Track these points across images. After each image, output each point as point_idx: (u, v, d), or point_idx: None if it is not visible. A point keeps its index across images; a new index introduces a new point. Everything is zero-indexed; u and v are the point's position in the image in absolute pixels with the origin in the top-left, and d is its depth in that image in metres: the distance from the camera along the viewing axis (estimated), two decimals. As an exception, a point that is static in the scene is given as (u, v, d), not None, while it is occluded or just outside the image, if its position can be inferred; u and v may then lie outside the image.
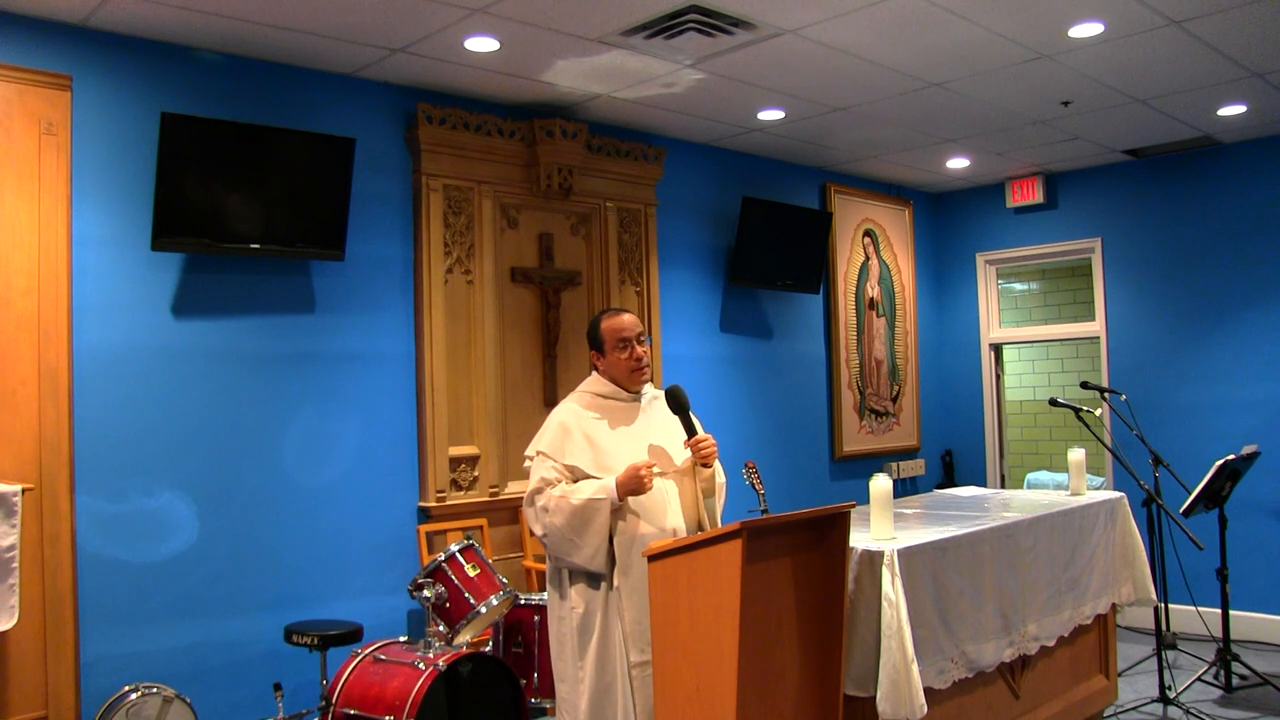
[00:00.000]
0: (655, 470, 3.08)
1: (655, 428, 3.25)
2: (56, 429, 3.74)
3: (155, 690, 3.71)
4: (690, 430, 3.18)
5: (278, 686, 3.90)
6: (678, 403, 3.20)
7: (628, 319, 3.27)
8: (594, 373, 3.34)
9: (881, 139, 6.10)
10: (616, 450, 3.13)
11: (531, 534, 3.16)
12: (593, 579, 3.10)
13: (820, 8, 4.01)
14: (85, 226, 3.90)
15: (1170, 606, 5.57)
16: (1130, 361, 6.71)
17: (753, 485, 5.00)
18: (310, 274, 4.52)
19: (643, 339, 3.27)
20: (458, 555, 4.05)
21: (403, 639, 4.11)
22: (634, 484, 3.02)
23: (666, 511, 3.13)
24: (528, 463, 3.22)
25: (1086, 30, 4.31)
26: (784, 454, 6.47)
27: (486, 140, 5.00)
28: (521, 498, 5.00)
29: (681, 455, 3.22)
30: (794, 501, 6.22)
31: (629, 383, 3.28)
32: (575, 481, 3.11)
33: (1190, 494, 4.81)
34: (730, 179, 6.25)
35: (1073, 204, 7.06)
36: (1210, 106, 5.51)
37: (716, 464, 3.28)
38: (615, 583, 3.06)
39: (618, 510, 3.06)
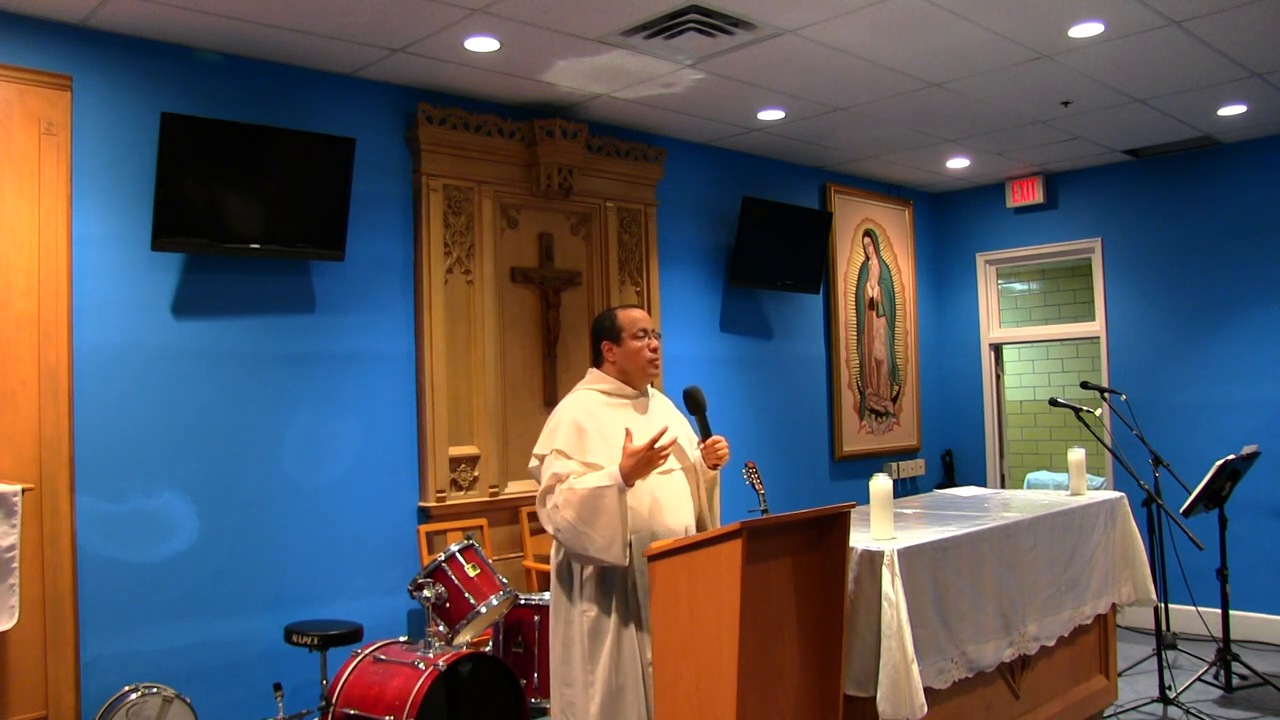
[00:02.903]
0: (668, 438, 2.97)
1: (662, 425, 3.23)
2: (56, 429, 3.74)
3: (155, 690, 3.71)
4: (706, 432, 3.20)
5: (278, 686, 3.91)
6: (696, 403, 3.21)
7: (643, 313, 3.28)
8: (596, 370, 3.30)
9: (881, 139, 6.10)
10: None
11: (552, 535, 3.08)
12: (605, 581, 3.04)
13: (820, 8, 4.01)
14: (85, 226, 3.90)
15: (1170, 606, 5.57)
16: (1130, 361, 6.71)
17: (753, 485, 5.00)
18: (310, 274, 4.52)
19: (657, 334, 3.28)
20: (458, 555, 4.05)
21: (403, 639, 4.11)
22: (641, 466, 2.91)
23: (681, 508, 3.14)
24: (535, 463, 3.15)
25: (1086, 30, 4.31)
26: (784, 454, 6.47)
27: (486, 140, 5.00)
28: (522, 497, 5.08)
29: (693, 453, 3.24)
30: (794, 501, 6.22)
31: (640, 376, 3.24)
32: None
33: (1190, 494, 4.81)
34: (730, 179, 6.25)
35: (1073, 204, 7.06)
36: (1210, 106, 5.51)
37: None
38: (630, 583, 3.02)
39: (634, 506, 3.00)
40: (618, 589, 3.03)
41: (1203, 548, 4.55)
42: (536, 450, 3.16)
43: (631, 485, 2.95)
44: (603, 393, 3.23)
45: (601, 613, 3.02)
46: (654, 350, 3.23)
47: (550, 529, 3.02)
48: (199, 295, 4.20)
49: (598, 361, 3.30)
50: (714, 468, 3.22)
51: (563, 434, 3.09)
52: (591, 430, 3.10)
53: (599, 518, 2.91)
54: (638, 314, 3.26)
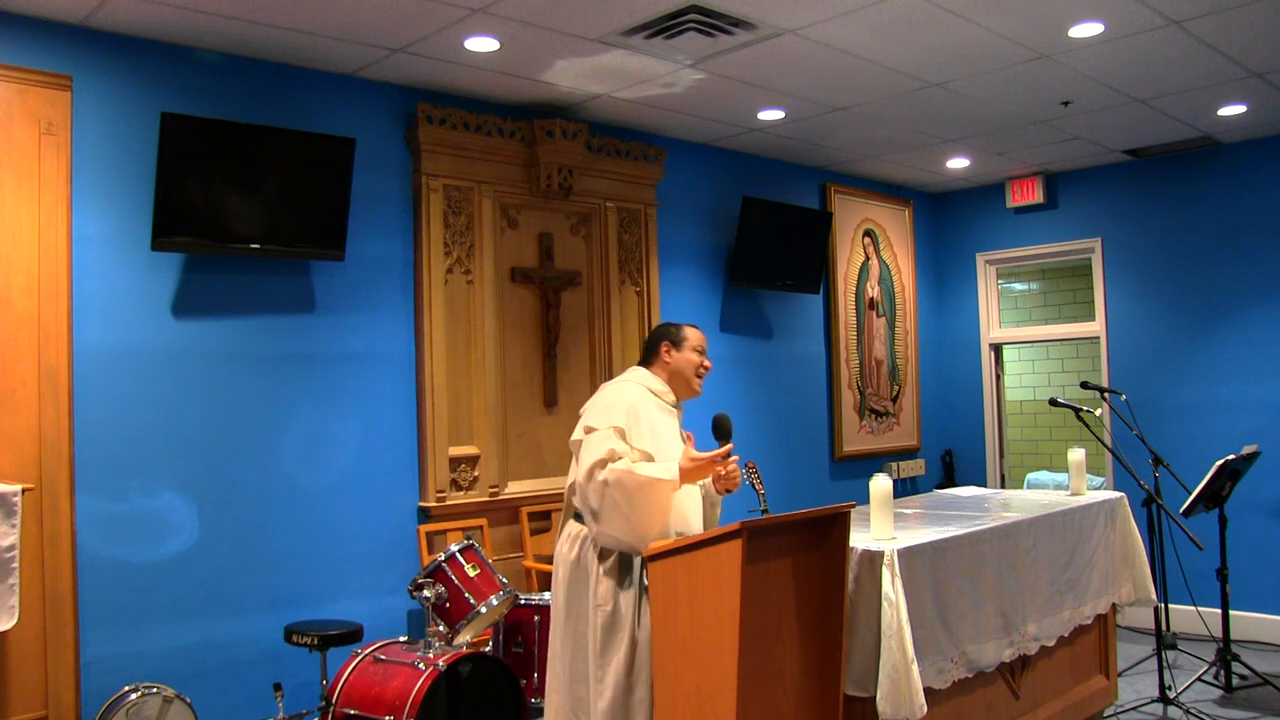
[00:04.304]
0: (732, 460, 3.15)
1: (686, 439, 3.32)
2: (56, 429, 3.74)
3: (155, 690, 3.71)
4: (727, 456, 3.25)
5: (278, 686, 3.91)
6: (723, 431, 3.27)
7: (706, 339, 3.45)
8: (643, 369, 3.38)
9: (881, 139, 6.10)
10: (670, 450, 3.17)
11: (585, 509, 3.09)
12: (623, 577, 3.08)
13: (820, 8, 4.01)
14: (85, 226, 3.90)
15: (1170, 606, 5.56)
16: (1130, 361, 6.71)
17: (753, 485, 5.00)
18: (310, 274, 4.52)
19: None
20: (458, 555, 4.05)
21: (403, 639, 4.11)
22: (699, 472, 3.07)
23: (694, 516, 3.22)
24: (581, 434, 3.14)
25: (1086, 30, 4.31)
26: (784, 454, 6.47)
27: (486, 140, 5.00)
28: (522, 497, 5.08)
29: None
30: (794, 501, 6.22)
31: (685, 387, 3.37)
32: None
33: (1190, 494, 4.81)
34: (730, 179, 6.25)
35: (1073, 204, 7.06)
36: (1210, 106, 5.51)
37: None
38: (647, 578, 3.05)
39: None
40: (634, 584, 3.06)
41: (1203, 548, 4.54)
42: (588, 421, 3.15)
43: (680, 487, 3.07)
44: (650, 390, 3.31)
45: (618, 608, 3.06)
46: (706, 368, 3.39)
47: (593, 502, 3.02)
48: (199, 295, 4.19)
49: (647, 361, 3.40)
50: (724, 493, 3.31)
51: (620, 412, 3.14)
52: (645, 419, 3.18)
53: (649, 507, 2.99)
54: (701, 334, 3.43)
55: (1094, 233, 6.93)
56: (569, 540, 3.20)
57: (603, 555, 3.10)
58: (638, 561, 3.07)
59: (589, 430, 3.12)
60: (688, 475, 3.05)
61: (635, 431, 3.11)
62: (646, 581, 3.04)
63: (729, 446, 3.11)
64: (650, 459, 3.10)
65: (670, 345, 3.35)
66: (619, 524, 2.99)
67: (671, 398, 3.35)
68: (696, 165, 6.09)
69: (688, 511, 3.20)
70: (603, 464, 3.01)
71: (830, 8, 4.01)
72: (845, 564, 3.08)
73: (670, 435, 3.23)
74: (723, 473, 3.20)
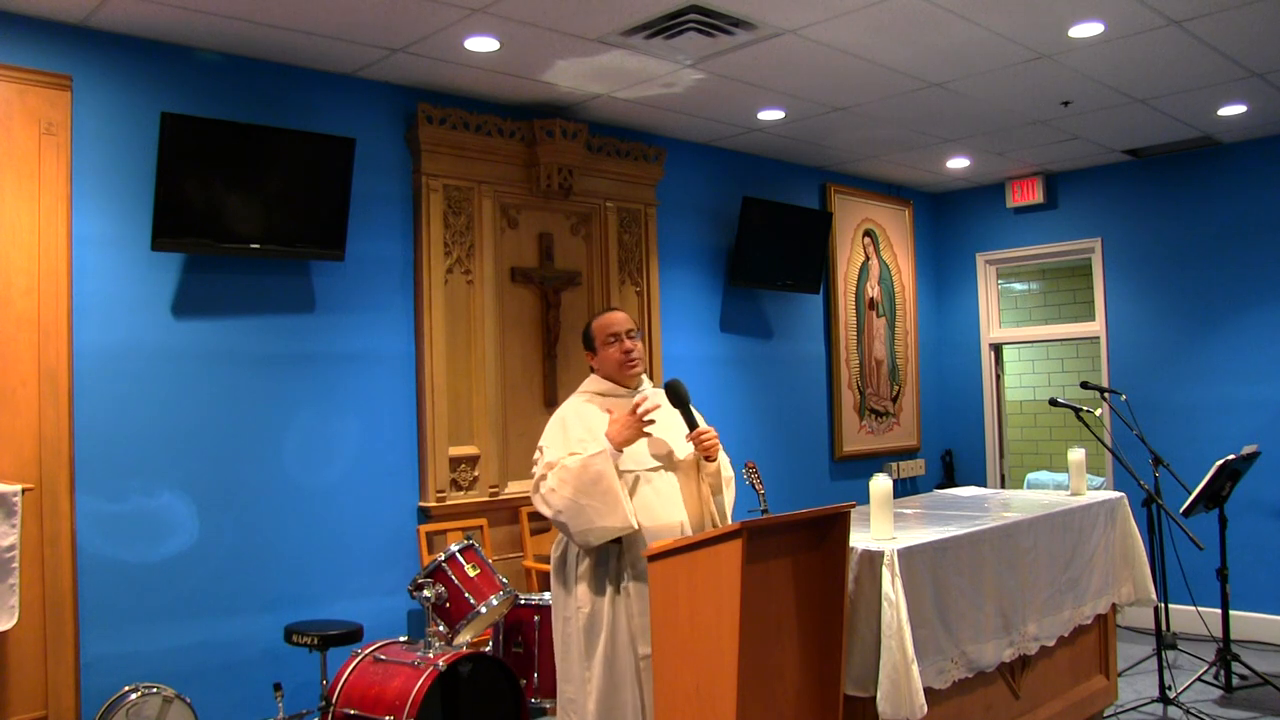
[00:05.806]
0: (648, 405, 3.04)
1: (656, 421, 3.23)
2: (56, 429, 3.74)
3: (155, 690, 3.71)
4: (691, 423, 3.19)
5: (278, 686, 3.91)
6: (677, 395, 3.21)
7: (617, 315, 3.31)
8: (592, 374, 3.38)
9: (881, 139, 6.10)
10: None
11: (555, 526, 3.10)
12: (598, 577, 3.07)
13: (820, 8, 4.01)
14: (85, 226, 3.90)
15: (1170, 606, 5.56)
16: (1130, 361, 6.71)
17: (753, 485, 5.01)
18: (310, 274, 4.52)
19: (633, 334, 3.29)
20: (458, 555, 4.05)
21: (403, 639, 4.11)
22: (627, 431, 3.01)
23: (670, 506, 3.13)
24: (536, 469, 3.21)
25: (1086, 30, 4.31)
26: (784, 454, 6.47)
27: (486, 140, 5.00)
28: (522, 497, 5.09)
29: (684, 448, 3.22)
30: (794, 501, 6.22)
31: (623, 377, 3.29)
32: None
33: (1190, 494, 4.81)
34: (730, 179, 6.25)
35: (1073, 204, 7.06)
36: (1210, 106, 5.51)
37: (723, 458, 3.26)
38: (624, 578, 3.04)
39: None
40: (610, 585, 3.05)
41: (1203, 548, 4.54)
42: (534, 457, 3.23)
43: (620, 451, 3.02)
44: (595, 394, 3.30)
45: (595, 609, 3.06)
46: (626, 352, 3.25)
47: (550, 513, 3.05)
48: (199, 295, 4.20)
49: (592, 368, 3.40)
50: (709, 460, 3.21)
51: (549, 433, 3.20)
52: (577, 424, 3.17)
53: (596, 486, 2.96)
54: (610, 318, 3.30)
55: (1094, 233, 6.93)
56: (556, 542, 3.22)
57: (580, 557, 3.10)
58: (614, 562, 3.06)
59: (535, 464, 3.21)
60: (617, 437, 3.01)
61: (566, 438, 3.13)
62: (624, 581, 3.04)
63: (644, 397, 3.08)
64: None
65: (589, 353, 3.34)
66: (580, 518, 2.98)
67: (623, 389, 3.29)
68: (696, 165, 6.09)
69: (658, 500, 3.11)
70: (542, 478, 3.08)
71: (830, 8, 4.01)
72: (845, 564, 3.07)
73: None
74: (663, 445, 3.17)
